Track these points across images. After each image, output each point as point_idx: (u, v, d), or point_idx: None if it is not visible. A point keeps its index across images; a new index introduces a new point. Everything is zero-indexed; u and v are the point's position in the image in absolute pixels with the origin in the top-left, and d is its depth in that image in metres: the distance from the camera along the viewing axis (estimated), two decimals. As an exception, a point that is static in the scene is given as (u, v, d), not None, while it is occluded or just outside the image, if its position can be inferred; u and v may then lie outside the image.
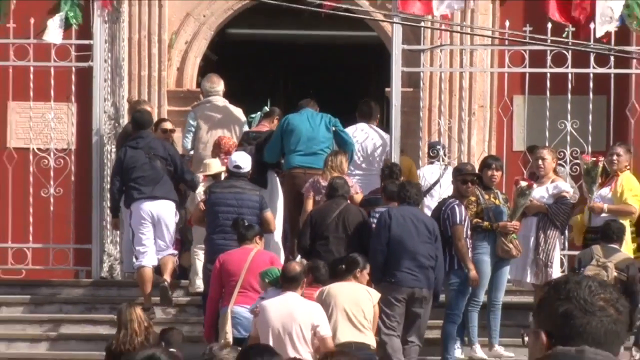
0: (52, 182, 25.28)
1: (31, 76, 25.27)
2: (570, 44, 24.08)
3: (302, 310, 18.77)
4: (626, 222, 22.01)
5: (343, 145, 24.00)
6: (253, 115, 26.32)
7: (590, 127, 24.76)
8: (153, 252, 22.64)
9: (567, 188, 22.98)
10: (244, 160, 22.43)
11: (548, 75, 24.85)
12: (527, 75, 25.46)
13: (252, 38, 31.15)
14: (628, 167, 22.99)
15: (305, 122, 24.24)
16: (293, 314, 18.64)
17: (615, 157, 22.75)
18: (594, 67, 24.41)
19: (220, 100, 25.26)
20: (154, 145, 23.05)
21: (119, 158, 23.49)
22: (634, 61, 24.71)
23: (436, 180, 24.05)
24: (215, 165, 23.30)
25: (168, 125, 25.35)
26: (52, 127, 25.78)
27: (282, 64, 31.14)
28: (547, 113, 24.88)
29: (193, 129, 25.09)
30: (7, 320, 24.12)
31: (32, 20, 24.65)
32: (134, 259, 22.86)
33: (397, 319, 20.29)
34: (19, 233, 25.75)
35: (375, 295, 19.79)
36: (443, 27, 25.77)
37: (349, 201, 22.59)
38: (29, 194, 25.50)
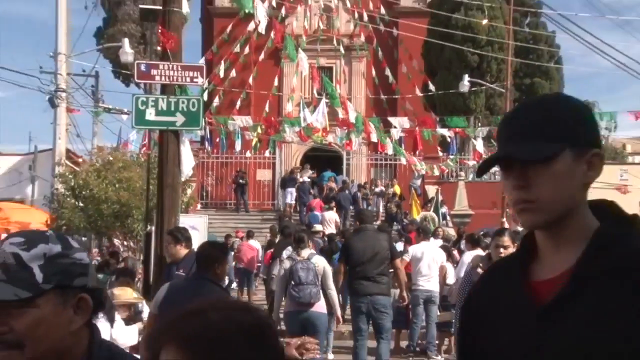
0: (265, 188, 24.02)
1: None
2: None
3: (329, 214, 17.66)
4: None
5: (333, 177, 22.27)
6: (310, 171, 21.88)
7: (386, 176, 23.45)
8: (291, 200, 21.12)
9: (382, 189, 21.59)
10: (306, 179, 21.14)
11: (378, 163, 24.36)
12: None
13: (313, 152, 26.51)
14: (397, 183, 21.91)
15: (327, 174, 22.66)
16: (331, 215, 17.59)
17: (393, 181, 22.24)
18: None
19: (307, 169, 22.46)
20: (291, 178, 21.30)
21: (283, 180, 22.11)
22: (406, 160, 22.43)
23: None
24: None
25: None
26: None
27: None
28: (379, 172, 24.04)
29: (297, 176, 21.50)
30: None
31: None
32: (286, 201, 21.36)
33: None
34: (258, 199, 23.77)
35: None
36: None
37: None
38: (259, 192, 23.89)
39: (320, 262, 7.09)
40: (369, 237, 7.44)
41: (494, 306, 1.22)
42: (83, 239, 14.21)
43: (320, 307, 6.88)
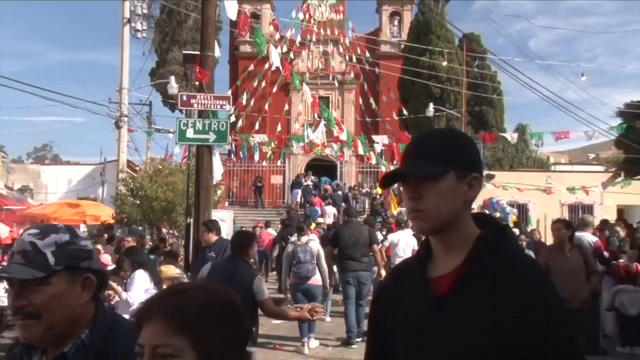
0: (278, 190, 23.23)
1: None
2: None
3: (329, 208, 16.66)
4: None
5: (328, 181, 21.29)
6: (312, 177, 20.97)
7: (371, 180, 22.22)
8: (298, 199, 19.62)
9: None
10: (309, 183, 20.36)
11: (364, 170, 22.98)
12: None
13: (314, 162, 24.76)
14: (379, 186, 21.07)
15: (324, 178, 21.70)
16: (330, 209, 16.60)
17: (376, 184, 19.32)
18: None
19: (310, 175, 21.20)
20: (298, 182, 20.24)
21: (292, 183, 21.12)
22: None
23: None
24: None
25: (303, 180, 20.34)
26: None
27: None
28: (365, 177, 23.28)
29: (302, 180, 20.63)
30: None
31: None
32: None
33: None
34: (272, 198, 22.69)
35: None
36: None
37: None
38: (273, 193, 23.24)
39: (315, 246, 7.06)
40: (354, 227, 7.38)
41: (399, 298, 1.16)
42: (139, 228, 14.03)
43: (315, 280, 6.88)
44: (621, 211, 16.62)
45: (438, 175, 1.07)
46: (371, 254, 7.61)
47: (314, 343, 6.96)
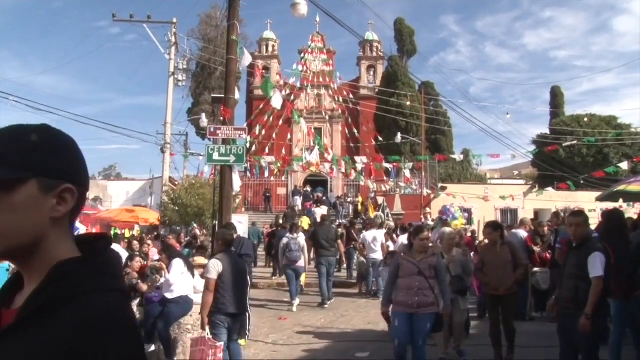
0: (282, 198, 21.92)
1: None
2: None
3: (319, 210, 14.43)
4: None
5: (322, 190, 20.40)
6: (308, 188, 20.99)
7: (354, 191, 21.49)
8: (298, 203, 18.06)
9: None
10: (308, 191, 19.42)
11: (349, 183, 22.15)
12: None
13: (310, 177, 22.86)
14: (360, 195, 19.90)
15: (318, 189, 20.59)
16: (321, 210, 14.36)
17: (358, 194, 20.13)
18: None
19: (306, 187, 20.58)
20: (297, 191, 19.47)
21: (293, 192, 20.06)
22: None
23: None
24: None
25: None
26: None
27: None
28: (349, 189, 22.18)
29: (300, 190, 20.23)
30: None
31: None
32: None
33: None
34: (278, 204, 21.18)
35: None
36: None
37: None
38: (279, 200, 21.84)
39: (302, 240, 7.54)
40: (326, 228, 8.10)
41: None
42: (177, 228, 13.87)
43: (300, 263, 7.44)
44: (537, 213, 16.62)
45: (7, 182, 0.64)
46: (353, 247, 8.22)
47: (297, 301, 7.53)
